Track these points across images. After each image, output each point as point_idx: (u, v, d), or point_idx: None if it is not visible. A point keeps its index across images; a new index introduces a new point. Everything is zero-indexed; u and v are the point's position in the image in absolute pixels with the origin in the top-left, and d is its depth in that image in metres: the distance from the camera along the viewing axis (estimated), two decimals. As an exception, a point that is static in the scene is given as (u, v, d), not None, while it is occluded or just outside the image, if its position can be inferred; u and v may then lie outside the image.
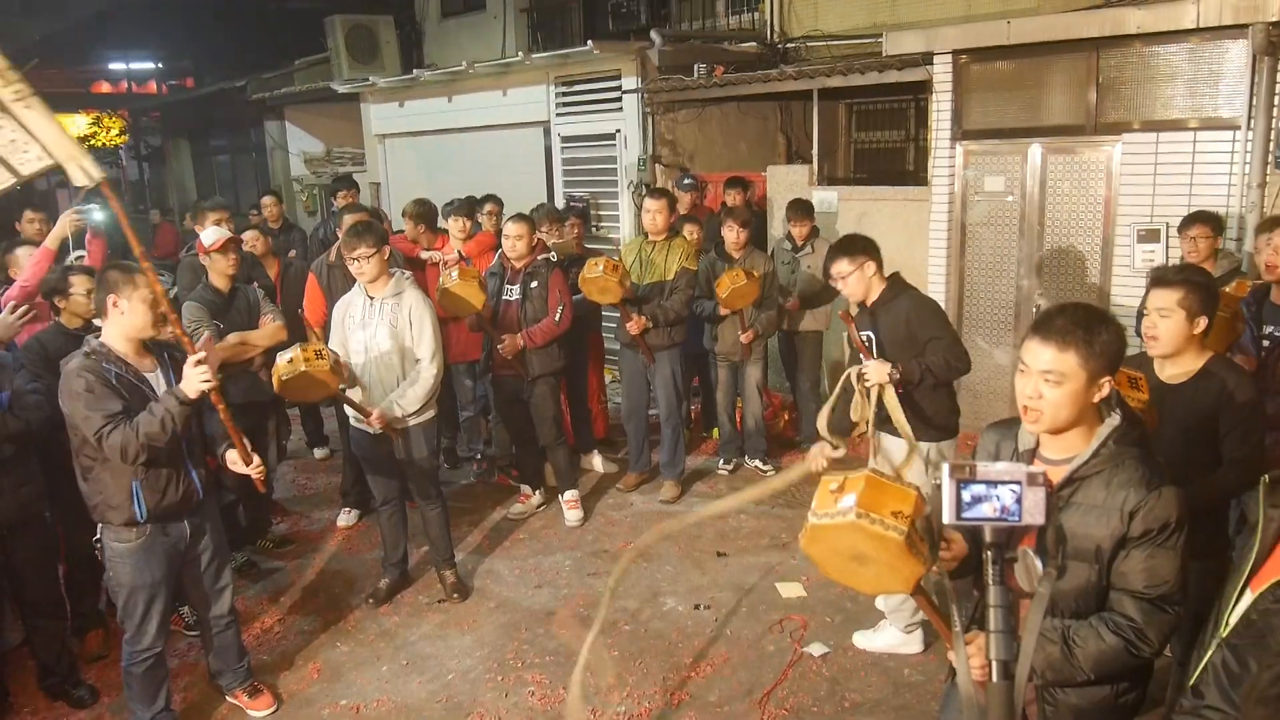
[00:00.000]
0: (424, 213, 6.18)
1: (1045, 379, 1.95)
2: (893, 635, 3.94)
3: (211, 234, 4.61)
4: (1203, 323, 2.75)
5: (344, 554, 5.18)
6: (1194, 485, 2.49)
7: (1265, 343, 3.57)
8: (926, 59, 6.36)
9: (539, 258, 5.18)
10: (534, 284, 5.13)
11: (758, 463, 6.05)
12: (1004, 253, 6.33)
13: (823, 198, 7.09)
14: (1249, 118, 5.17)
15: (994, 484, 1.64)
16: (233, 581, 3.71)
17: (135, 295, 3.14)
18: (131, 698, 3.43)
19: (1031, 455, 2.11)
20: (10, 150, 2.61)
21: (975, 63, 6.24)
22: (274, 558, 5.09)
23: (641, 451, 5.90)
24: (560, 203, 8.59)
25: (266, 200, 8.17)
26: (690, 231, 5.96)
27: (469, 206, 6.19)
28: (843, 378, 3.67)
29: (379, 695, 3.81)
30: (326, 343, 4.31)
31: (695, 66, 7.77)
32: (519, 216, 5.23)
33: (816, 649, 3.99)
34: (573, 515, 5.39)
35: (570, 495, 5.43)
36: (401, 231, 6.36)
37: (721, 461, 6.13)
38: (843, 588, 4.30)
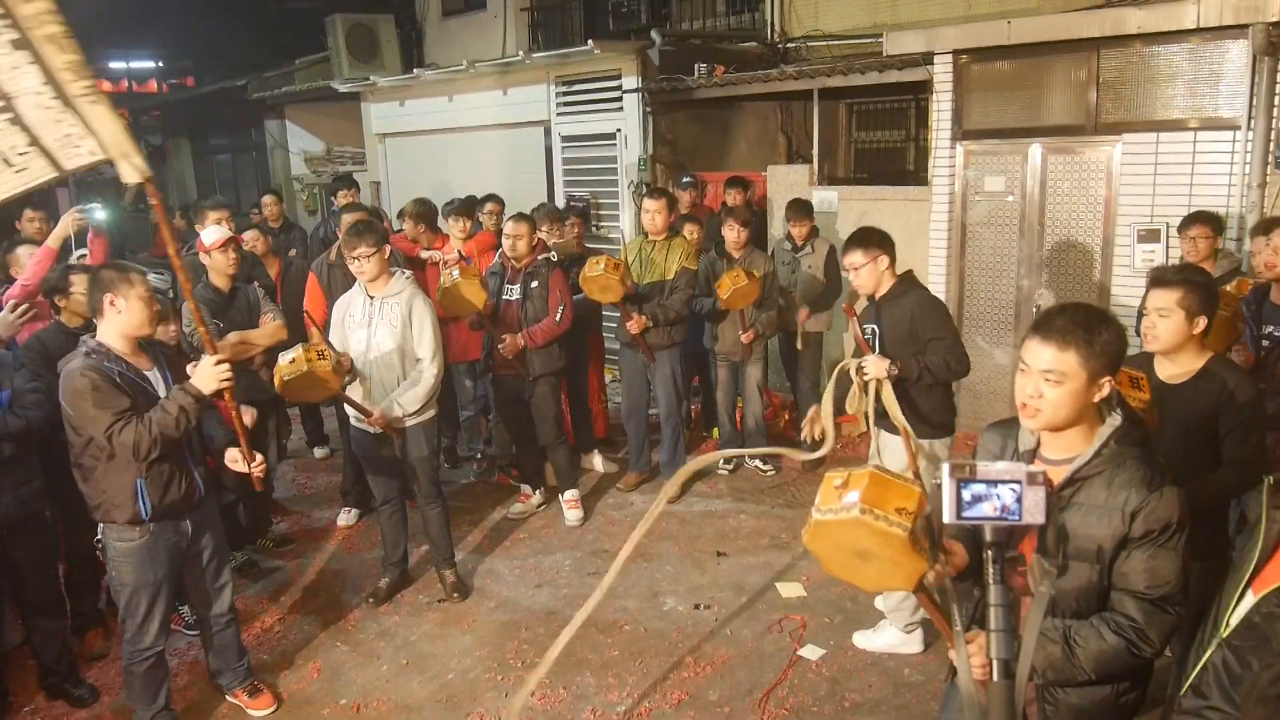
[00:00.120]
0: (424, 212, 6.18)
1: (1045, 378, 1.95)
2: (893, 635, 3.94)
3: (212, 233, 4.62)
4: (1202, 322, 2.75)
5: (344, 553, 5.18)
6: (1194, 485, 2.49)
7: (1265, 342, 3.58)
8: (927, 59, 6.36)
9: (539, 257, 5.18)
10: (534, 284, 5.13)
11: (758, 463, 6.05)
12: (1004, 253, 6.33)
13: (823, 197, 7.09)
14: (1249, 118, 5.17)
15: (994, 483, 1.65)
16: (232, 580, 3.72)
17: (132, 293, 3.15)
18: (132, 697, 3.44)
19: (1032, 455, 2.11)
20: (62, 144, 2.65)
21: (975, 63, 6.24)
22: (274, 557, 5.10)
23: (641, 451, 5.90)
24: (560, 202, 8.58)
25: (267, 199, 8.18)
26: (690, 231, 5.97)
27: (469, 206, 6.20)
28: (837, 369, 3.69)
29: (379, 695, 3.81)
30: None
31: (695, 66, 7.77)
32: (519, 216, 5.23)
33: (816, 649, 3.99)
34: (573, 515, 5.39)
35: (570, 495, 5.43)
36: (401, 231, 6.36)
37: (722, 461, 6.13)
38: (843, 587, 4.31)
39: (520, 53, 8.95)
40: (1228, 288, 3.70)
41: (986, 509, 1.65)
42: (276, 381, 3.81)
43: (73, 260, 4.45)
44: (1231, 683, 1.77)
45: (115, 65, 20.41)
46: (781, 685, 3.76)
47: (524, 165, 9.30)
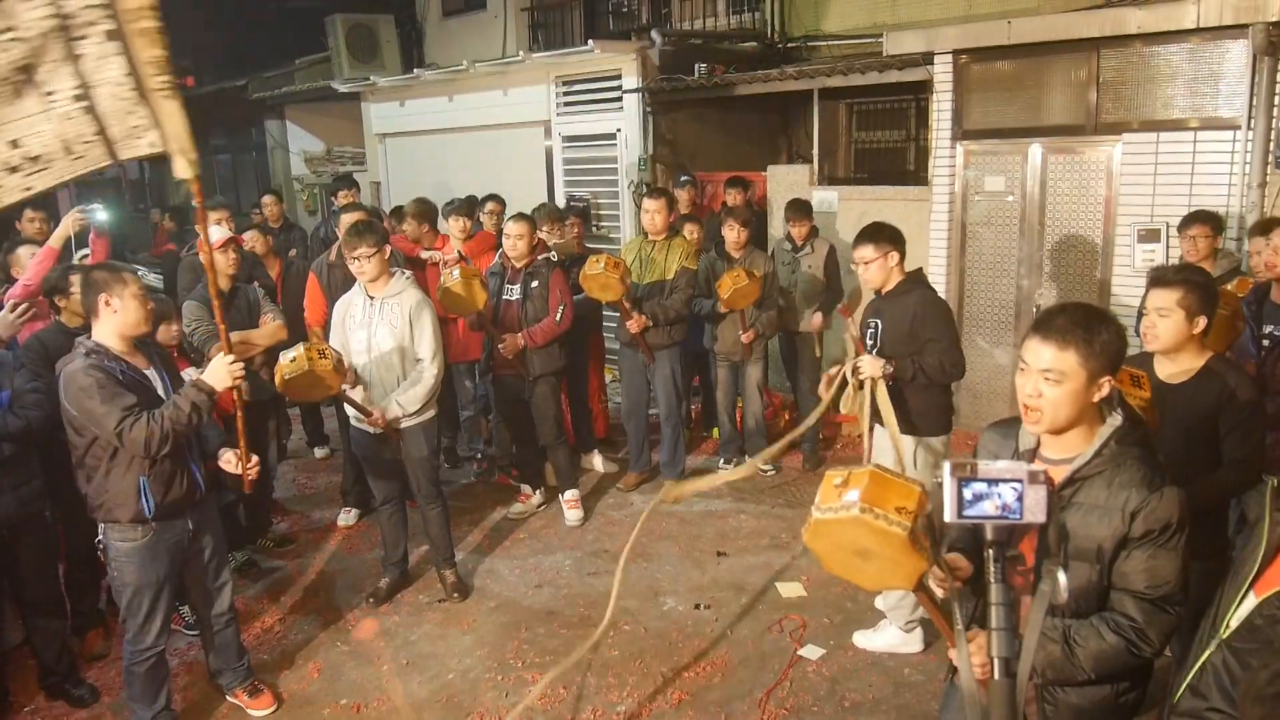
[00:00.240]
0: (426, 211, 6.18)
1: (1045, 377, 1.95)
2: (893, 634, 3.94)
3: (212, 233, 4.60)
4: (1202, 322, 2.75)
5: (344, 554, 5.18)
6: (1194, 485, 2.49)
7: (1265, 342, 3.58)
8: (927, 59, 6.36)
9: (540, 257, 5.18)
10: (535, 284, 5.13)
11: (758, 463, 6.04)
12: (1004, 252, 6.33)
13: (823, 197, 7.10)
14: (1249, 118, 5.17)
15: (995, 482, 1.65)
16: (231, 579, 3.72)
17: (126, 292, 3.15)
18: (132, 697, 3.43)
19: (1032, 455, 2.11)
20: (127, 135, 2.70)
21: (975, 63, 6.24)
22: (274, 557, 5.10)
23: (641, 451, 5.90)
24: (561, 202, 8.58)
25: (267, 199, 8.17)
26: (690, 231, 5.97)
27: (469, 206, 6.19)
28: (837, 372, 3.70)
29: (379, 695, 3.81)
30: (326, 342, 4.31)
31: (695, 66, 7.77)
32: (520, 216, 5.23)
33: (816, 649, 3.99)
34: (573, 515, 5.39)
35: (570, 495, 5.43)
36: (402, 231, 6.36)
37: (722, 461, 6.13)
38: (843, 587, 4.31)
39: (520, 53, 8.95)
40: (1229, 287, 3.70)
41: (988, 507, 1.65)
42: (277, 380, 3.81)
43: (75, 261, 4.45)
44: (1232, 684, 1.76)
45: (115, 65, 20.40)
46: (781, 685, 3.76)
47: (524, 165, 9.30)
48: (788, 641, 4.08)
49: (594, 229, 8.55)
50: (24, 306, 4.14)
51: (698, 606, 4.40)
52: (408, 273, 4.45)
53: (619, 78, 8.16)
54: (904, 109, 8.28)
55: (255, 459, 3.43)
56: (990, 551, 1.69)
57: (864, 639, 4.01)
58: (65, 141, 2.64)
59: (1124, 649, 1.92)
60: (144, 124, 2.68)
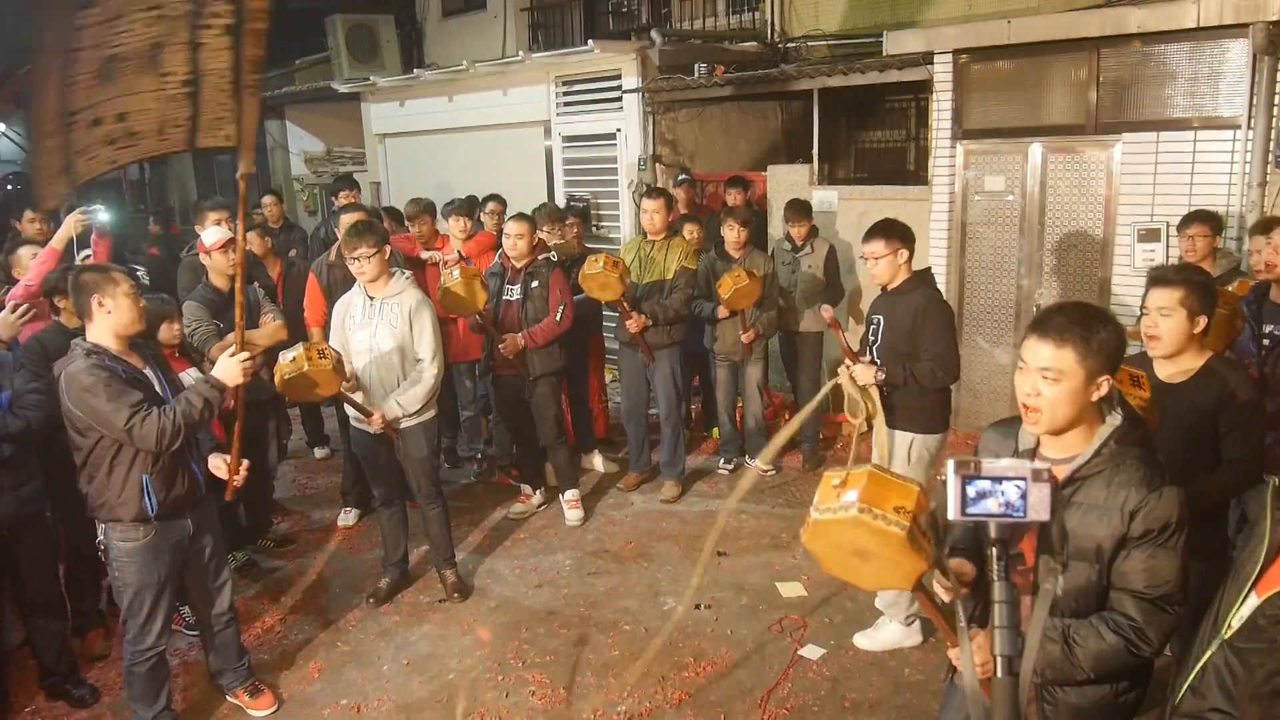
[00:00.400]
0: (425, 210, 6.17)
1: (1043, 376, 1.95)
2: (894, 630, 3.95)
3: (212, 234, 4.61)
4: (1202, 322, 2.75)
5: (344, 554, 5.18)
6: (1194, 485, 2.49)
7: (1265, 342, 3.57)
8: (927, 59, 6.36)
9: (540, 257, 5.18)
10: (535, 284, 5.13)
11: (758, 462, 6.04)
12: (1004, 252, 6.33)
13: (823, 197, 7.09)
14: (1249, 117, 5.17)
15: (999, 479, 1.64)
16: (231, 579, 3.72)
17: (118, 291, 3.16)
18: (133, 697, 3.44)
19: (1032, 455, 2.10)
20: (211, 124, 2.81)
21: (975, 62, 6.23)
22: (274, 557, 5.10)
23: (642, 451, 5.90)
24: (561, 202, 8.58)
25: (267, 200, 8.17)
26: (690, 231, 5.97)
27: (470, 206, 6.19)
28: (829, 385, 3.74)
29: (379, 695, 3.81)
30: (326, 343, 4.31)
31: (695, 66, 7.77)
32: (520, 216, 5.23)
33: (816, 649, 3.99)
34: (573, 515, 5.39)
35: (571, 495, 5.43)
36: (402, 232, 6.36)
37: (722, 461, 6.13)
38: (843, 587, 4.31)
39: (520, 53, 8.94)
40: (1230, 288, 3.70)
41: (991, 505, 1.64)
42: (277, 380, 3.81)
43: (78, 261, 4.45)
44: (1234, 683, 1.76)
45: (115, 66, 20.39)
46: (782, 685, 3.75)
47: (524, 165, 9.30)
48: (788, 641, 4.08)
49: (594, 229, 8.55)
50: (24, 307, 4.14)
51: (698, 607, 4.40)
52: (408, 273, 4.45)
53: (619, 78, 8.16)
54: (904, 109, 8.29)
55: (245, 462, 3.43)
56: (993, 549, 1.69)
57: (865, 639, 4.00)
58: (162, 123, 2.76)
59: (1123, 649, 1.92)
60: (227, 117, 2.78)
